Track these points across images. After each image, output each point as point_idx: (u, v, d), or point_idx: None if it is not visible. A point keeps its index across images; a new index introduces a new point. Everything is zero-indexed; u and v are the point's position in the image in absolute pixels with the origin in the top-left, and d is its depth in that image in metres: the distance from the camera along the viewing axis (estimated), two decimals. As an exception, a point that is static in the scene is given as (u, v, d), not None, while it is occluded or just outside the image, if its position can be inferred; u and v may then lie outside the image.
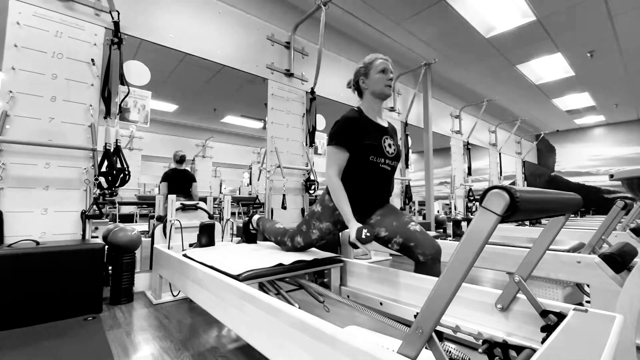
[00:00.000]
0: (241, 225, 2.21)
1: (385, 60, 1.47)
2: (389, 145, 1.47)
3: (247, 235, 2.06)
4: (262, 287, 1.39)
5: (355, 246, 1.28)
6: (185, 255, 1.64)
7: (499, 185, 0.56)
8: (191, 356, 1.32)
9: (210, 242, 1.97)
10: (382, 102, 1.51)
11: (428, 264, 1.31)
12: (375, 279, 1.43)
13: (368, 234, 1.21)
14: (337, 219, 1.45)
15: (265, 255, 1.56)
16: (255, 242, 2.07)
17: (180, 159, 3.98)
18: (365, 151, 1.40)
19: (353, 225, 1.28)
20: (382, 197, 1.51)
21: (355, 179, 1.41)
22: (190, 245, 2.28)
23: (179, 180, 3.94)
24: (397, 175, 4.46)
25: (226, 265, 1.34)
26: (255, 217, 2.02)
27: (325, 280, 1.57)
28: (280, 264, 1.35)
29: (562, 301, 1.32)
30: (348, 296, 1.49)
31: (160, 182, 3.91)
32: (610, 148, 8.01)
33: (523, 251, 1.61)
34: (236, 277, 1.20)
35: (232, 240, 2.47)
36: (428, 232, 1.54)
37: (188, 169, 4.12)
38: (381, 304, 1.32)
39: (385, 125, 1.53)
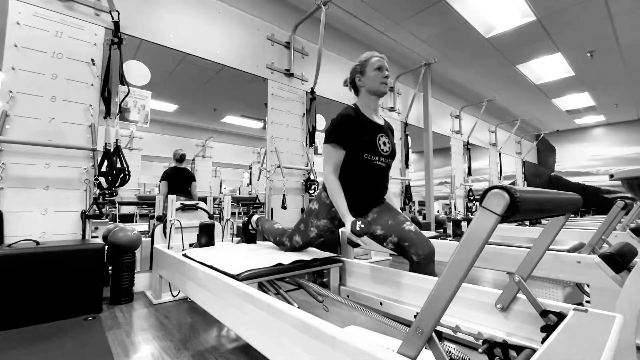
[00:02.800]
0: (241, 225, 2.20)
1: (381, 58, 1.47)
2: (384, 144, 1.47)
3: (247, 235, 2.06)
4: (261, 286, 1.39)
5: (353, 244, 1.28)
6: (185, 255, 1.63)
7: (499, 185, 0.56)
8: (191, 356, 1.32)
9: (210, 242, 1.97)
10: (378, 99, 1.51)
11: (421, 264, 1.31)
12: (375, 279, 1.43)
13: (362, 226, 1.23)
14: (335, 215, 1.46)
15: (265, 255, 1.56)
16: (255, 242, 2.07)
17: (180, 158, 3.98)
18: (359, 149, 1.40)
19: (348, 219, 1.30)
20: (378, 194, 1.52)
21: (350, 176, 1.42)
22: (191, 245, 2.29)
23: (179, 179, 3.94)
24: (397, 175, 4.46)
25: (225, 265, 1.34)
26: (255, 217, 2.02)
27: (324, 280, 1.57)
28: (280, 264, 1.36)
29: (562, 301, 1.32)
30: (348, 296, 1.48)
31: (160, 181, 3.91)
32: (610, 148, 8.01)
33: (523, 251, 1.61)
34: (235, 277, 1.20)
35: (232, 241, 2.47)
36: (428, 232, 1.55)
37: (188, 167, 4.12)
38: (381, 303, 1.32)
39: (381, 122, 1.54)
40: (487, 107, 5.71)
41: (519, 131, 7.55)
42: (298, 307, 0.80)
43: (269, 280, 1.36)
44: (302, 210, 3.35)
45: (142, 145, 5.19)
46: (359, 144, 1.40)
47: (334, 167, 1.40)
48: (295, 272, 1.40)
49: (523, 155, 8.14)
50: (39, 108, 1.97)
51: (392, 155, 1.51)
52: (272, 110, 3.21)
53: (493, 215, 0.55)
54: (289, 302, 1.19)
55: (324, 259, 1.51)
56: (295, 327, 0.77)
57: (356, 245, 1.27)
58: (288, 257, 1.45)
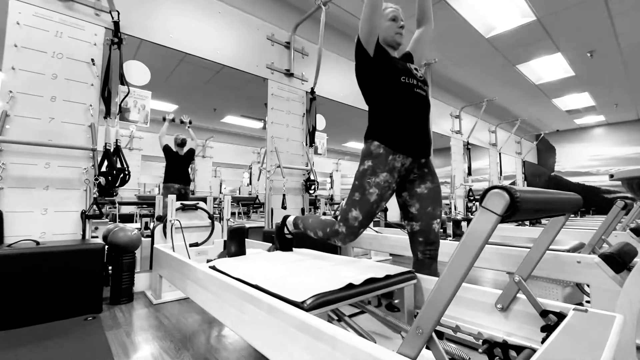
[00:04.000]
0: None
1: (395, 8, 1.45)
2: (415, 69, 1.42)
3: (282, 241, 1.72)
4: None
5: None
6: (214, 268, 1.31)
7: (499, 185, 0.56)
8: (191, 356, 1.32)
9: (241, 251, 1.67)
10: (394, 51, 1.48)
11: (425, 262, 1.35)
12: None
13: None
14: (393, 165, 1.29)
15: (319, 268, 1.25)
16: (292, 250, 1.75)
17: (181, 142, 4.00)
18: (395, 72, 1.33)
19: None
20: (427, 132, 1.39)
21: (395, 107, 1.32)
22: (191, 246, 2.29)
23: (179, 164, 3.97)
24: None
25: (277, 285, 1.01)
26: (291, 218, 1.69)
27: (395, 301, 1.25)
28: (351, 284, 1.02)
29: (562, 301, 1.32)
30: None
31: (163, 147, 3.94)
32: (610, 148, 8.01)
33: (523, 251, 1.61)
34: (300, 306, 0.87)
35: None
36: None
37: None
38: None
39: None
40: (487, 107, 5.71)
41: (519, 131, 7.55)
42: (375, 343, 0.62)
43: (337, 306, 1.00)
44: (302, 210, 3.35)
45: (142, 145, 5.19)
46: (393, 67, 1.34)
47: None
48: (369, 294, 1.07)
49: (523, 155, 8.14)
50: (39, 108, 1.97)
51: (426, 82, 1.44)
52: (272, 110, 3.21)
53: (493, 215, 0.55)
54: (362, 336, 0.92)
55: (397, 274, 1.16)
56: (296, 327, 0.77)
57: None
58: (353, 273, 1.13)
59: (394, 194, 1.41)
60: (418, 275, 1.23)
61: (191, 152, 4.15)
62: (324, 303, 0.91)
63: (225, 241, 1.75)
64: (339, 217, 1.39)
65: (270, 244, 1.97)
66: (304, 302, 0.88)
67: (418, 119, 1.35)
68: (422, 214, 1.35)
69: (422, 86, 1.39)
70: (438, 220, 1.38)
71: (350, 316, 1.15)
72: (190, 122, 4.13)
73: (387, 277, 1.13)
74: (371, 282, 1.07)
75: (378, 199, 1.29)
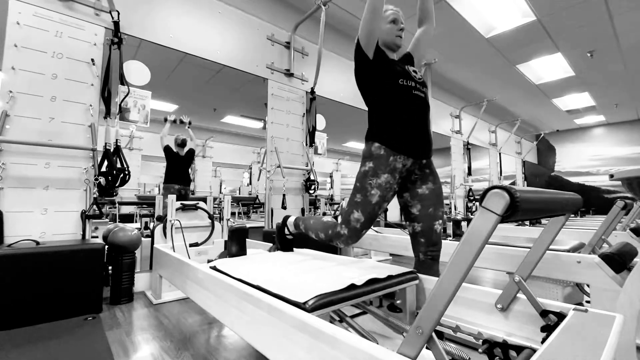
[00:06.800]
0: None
1: (396, 11, 1.45)
2: (414, 71, 1.42)
3: (283, 242, 1.72)
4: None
5: None
6: (214, 268, 1.31)
7: (499, 185, 0.56)
8: (191, 356, 1.32)
9: (242, 251, 1.67)
10: (394, 53, 1.48)
11: (427, 263, 1.35)
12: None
13: None
14: (394, 166, 1.30)
15: (320, 268, 1.24)
16: (292, 250, 1.75)
17: (182, 143, 4.01)
18: (393, 74, 1.33)
19: None
20: (428, 133, 1.38)
21: (393, 109, 1.32)
22: (191, 246, 2.29)
23: (179, 164, 3.97)
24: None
25: (278, 286, 1.00)
26: (291, 218, 1.68)
27: (397, 301, 1.24)
28: (353, 285, 1.01)
29: (562, 301, 1.32)
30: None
31: (164, 147, 3.93)
32: (610, 148, 8.01)
33: (523, 251, 1.61)
34: (302, 306, 0.87)
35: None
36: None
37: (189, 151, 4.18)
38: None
39: None
40: (487, 107, 5.71)
41: (519, 131, 7.55)
42: (378, 344, 0.61)
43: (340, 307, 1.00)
44: (302, 210, 3.35)
45: (142, 145, 5.19)
46: (392, 69, 1.34)
47: None
48: (371, 295, 1.07)
49: (523, 155, 8.14)
50: (39, 108, 1.97)
51: (424, 84, 1.44)
52: (272, 110, 3.21)
53: (493, 215, 0.55)
54: (363, 337, 0.91)
55: (399, 275, 1.16)
56: (296, 327, 0.77)
57: None
58: (355, 274, 1.12)
59: (395, 195, 1.41)
60: (420, 275, 1.22)
61: (191, 153, 4.16)
62: (326, 304, 0.90)
63: (225, 241, 1.74)
64: (340, 219, 1.38)
65: (271, 244, 1.96)
66: (306, 302, 0.87)
67: (417, 120, 1.35)
68: (423, 215, 1.35)
69: (421, 88, 1.39)
70: (440, 221, 1.37)
71: (352, 317, 1.13)
72: (189, 123, 4.14)
73: (389, 277, 1.12)
74: (373, 283, 1.06)
75: (380, 200, 1.29)
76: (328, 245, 1.49)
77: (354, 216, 1.31)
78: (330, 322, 0.91)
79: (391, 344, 1.16)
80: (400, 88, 1.33)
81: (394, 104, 1.33)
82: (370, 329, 1.12)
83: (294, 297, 0.90)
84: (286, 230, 1.71)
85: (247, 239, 1.85)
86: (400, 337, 1.10)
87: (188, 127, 4.12)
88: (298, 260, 1.43)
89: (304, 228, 1.57)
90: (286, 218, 1.72)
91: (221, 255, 1.82)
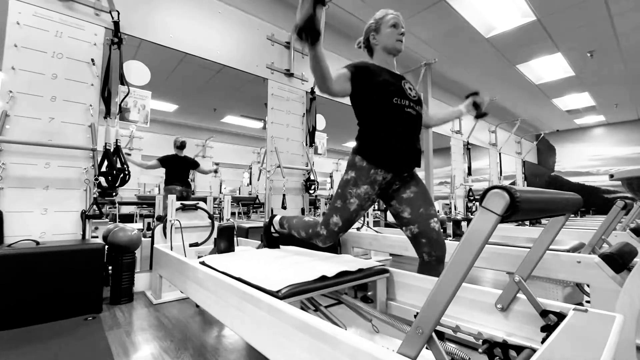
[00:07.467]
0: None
1: (396, 15, 1.44)
2: (410, 89, 1.41)
3: (269, 239, 1.82)
4: (301, 303, 1.20)
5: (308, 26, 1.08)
6: (203, 263, 1.41)
7: (499, 185, 0.56)
8: (191, 356, 1.32)
9: (230, 248, 1.75)
10: (394, 58, 1.47)
11: (432, 265, 1.33)
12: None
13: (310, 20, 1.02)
14: (374, 179, 1.33)
15: (298, 263, 1.34)
16: (278, 247, 1.84)
17: (181, 145, 3.98)
18: (388, 93, 1.33)
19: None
20: (414, 149, 1.40)
21: (384, 127, 1.33)
22: (191, 246, 2.29)
23: (178, 167, 3.95)
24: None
25: (257, 277, 1.11)
26: (277, 217, 1.78)
27: (368, 293, 1.32)
28: (324, 277, 1.13)
29: (562, 301, 1.32)
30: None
31: (156, 160, 3.87)
32: (610, 148, 8.01)
33: (523, 251, 1.61)
34: (275, 294, 0.97)
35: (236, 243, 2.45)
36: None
37: (189, 155, 4.14)
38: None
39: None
40: (487, 107, 5.69)
41: (519, 131, 7.55)
42: (346, 330, 0.67)
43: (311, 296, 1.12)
44: (302, 210, 3.35)
45: (142, 145, 5.19)
46: (386, 88, 1.34)
47: (333, 81, 1.26)
48: (341, 286, 1.17)
49: (523, 155, 8.14)
50: (39, 108, 1.97)
51: (419, 101, 1.44)
52: (272, 110, 3.21)
53: (493, 215, 0.55)
54: (335, 324, 1.01)
55: (370, 268, 1.27)
56: (295, 327, 0.77)
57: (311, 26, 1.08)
58: (328, 267, 1.22)
59: (386, 207, 1.48)
60: (391, 269, 1.32)
61: (194, 163, 4.11)
62: (297, 292, 1.02)
63: (215, 239, 1.81)
64: (321, 220, 1.47)
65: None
66: (278, 291, 0.99)
67: (404, 138, 1.37)
68: (416, 216, 1.36)
69: (414, 106, 1.40)
70: (435, 219, 1.37)
71: (327, 306, 1.24)
72: (216, 171, 4.44)
73: (360, 270, 1.24)
74: (344, 275, 1.18)
75: (358, 208, 1.37)
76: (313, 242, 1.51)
77: (332, 220, 1.39)
78: (302, 309, 1.01)
79: (361, 332, 1.29)
80: (393, 107, 1.34)
81: (382, 122, 1.34)
82: (345, 318, 1.20)
83: (269, 287, 1.02)
84: (272, 228, 1.79)
85: (237, 237, 2.00)
86: (369, 325, 1.22)
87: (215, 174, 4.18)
88: (280, 256, 1.53)
89: (287, 227, 1.65)
90: (273, 217, 1.80)
91: (211, 252, 1.87)
